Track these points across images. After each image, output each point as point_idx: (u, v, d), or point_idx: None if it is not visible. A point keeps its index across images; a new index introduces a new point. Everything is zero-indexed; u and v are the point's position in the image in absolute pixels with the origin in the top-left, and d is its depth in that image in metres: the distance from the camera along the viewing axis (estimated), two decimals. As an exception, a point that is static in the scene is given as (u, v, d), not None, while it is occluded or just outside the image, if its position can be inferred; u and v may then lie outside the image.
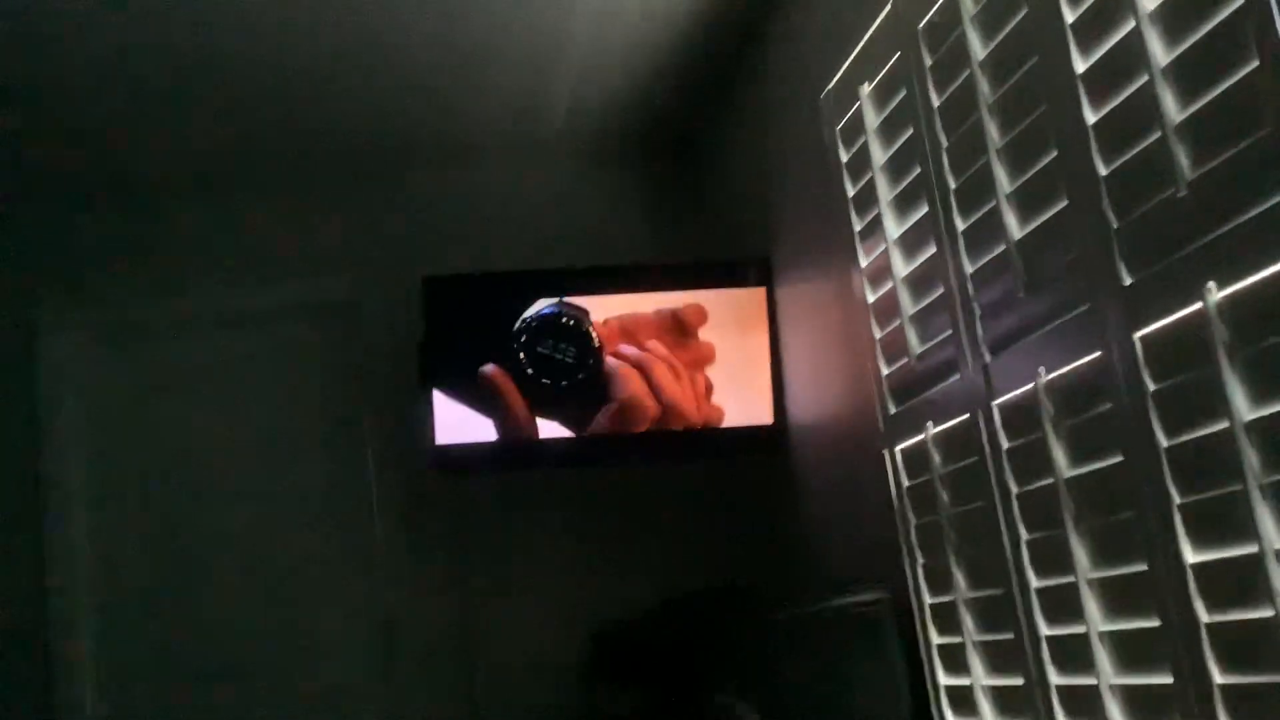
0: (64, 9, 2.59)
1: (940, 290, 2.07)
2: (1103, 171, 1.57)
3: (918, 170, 2.12)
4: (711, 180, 3.59)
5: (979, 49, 1.88)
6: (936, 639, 2.20)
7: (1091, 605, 1.68)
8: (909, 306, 2.22)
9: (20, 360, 3.35)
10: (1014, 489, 1.88)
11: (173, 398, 3.46)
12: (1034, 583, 1.83)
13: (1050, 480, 1.76)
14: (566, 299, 2.97)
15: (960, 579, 2.08)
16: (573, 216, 3.69)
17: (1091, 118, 1.59)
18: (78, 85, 2.96)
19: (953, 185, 2.00)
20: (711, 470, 3.49)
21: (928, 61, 2.05)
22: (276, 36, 2.86)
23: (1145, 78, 1.46)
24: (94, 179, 3.45)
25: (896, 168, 2.24)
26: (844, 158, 2.46)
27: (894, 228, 2.26)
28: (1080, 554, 1.70)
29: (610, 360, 2.93)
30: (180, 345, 3.49)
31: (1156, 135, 1.45)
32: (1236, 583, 1.38)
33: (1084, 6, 1.59)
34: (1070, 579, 1.71)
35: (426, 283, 3.09)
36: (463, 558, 3.44)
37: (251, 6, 2.71)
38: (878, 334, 2.38)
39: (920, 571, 2.25)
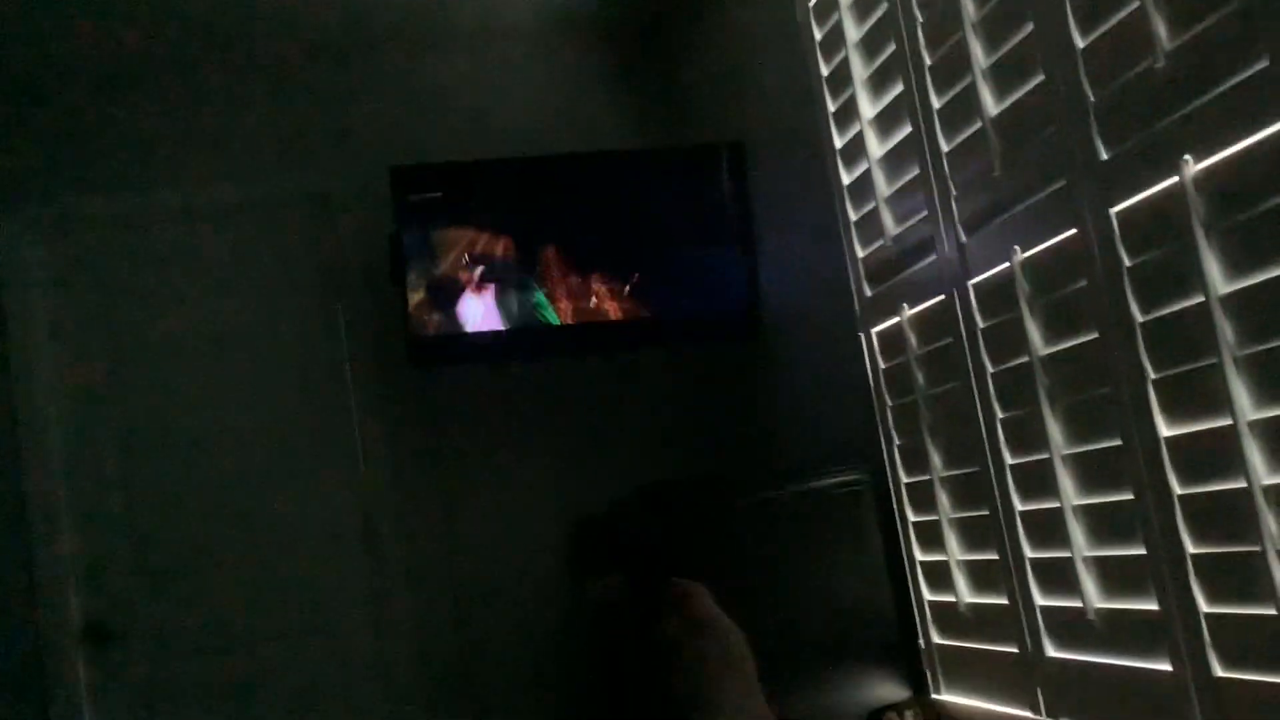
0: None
1: (916, 170, 2.05)
2: (1080, 44, 1.55)
3: (892, 47, 2.09)
4: (683, 62, 3.52)
5: (954, -81, 1.83)
6: (913, 517, 2.23)
7: (1066, 481, 1.70)
8: (884, 187, 2.20)
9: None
10: (989, 368, 1.88)
11: (141, 294, 3.40)
12: (1009, 460, 1.85)
13: (1026, 359, 1.76)
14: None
15: (936, 458, 2.10)
16: (542, 103, 3.62)
17: (1069, -12, 1.56)
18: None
19: (928, 62, 1.96)
20: (688, 358, 3.50)
21: (902, -66, 2.00)
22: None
23: (1124, -55, 1.43)
24: (51, 68, 3.35)
25: (871, 45, 2.20)
26: (817, 35, 2.42)
27: (868, 107, 2.23)
28: (1055, 431, 1.71)
29: None
30: (147, 239, 3.42)
31: (1135, 4, 1.43)
32: (1210, 455, 1.40)
33: (1062, -128, 1.55)
34: (1045, 455, 1.73)
35: (394, 173, 3.04)
36: (440, 450, 3.44)
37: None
38: (853, 216, 2.36)
39: (897, 452, 2.27)
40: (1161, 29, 1.39)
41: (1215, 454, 1.38)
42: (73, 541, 3.24)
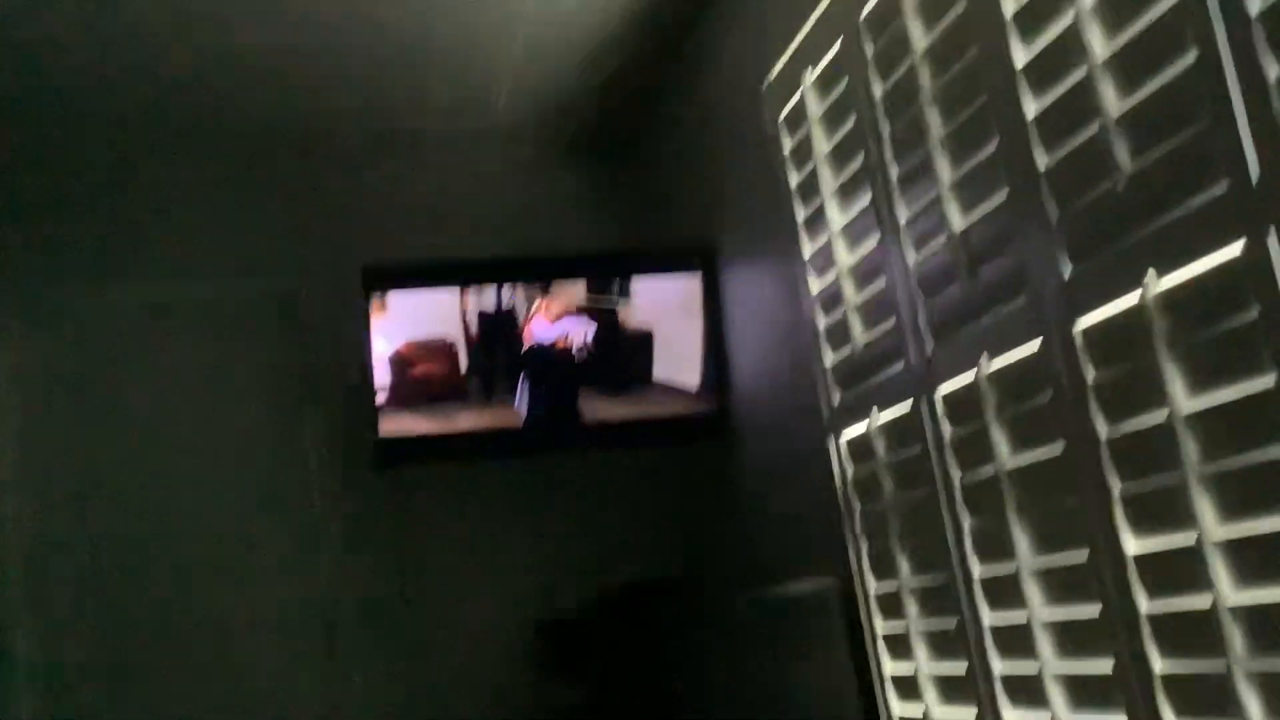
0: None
1: (884, 279, 2.07)
2: (1043, 163, 1.58)
3: (861, 159, 2.12)
4: (655, 170, 3.57)
5: (920, 39, 1.88)
6: (881, 626, 2.21)
7: (1033, 593, 1.69)
8: (853, 296, 2.22)
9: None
10: (956, 477, 1.89)
11: (110, 387, 3.39)
12: (976, 571, 1.85)
13: (992, 469, 1.77)
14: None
15: (904, 567, 2.09)
16: (514, 206, 3.66)
17: (1032, 110, 1.59)
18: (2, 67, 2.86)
19: (895, 175, 2.00)
20: (654, 458, 3.49)
21: (870, 51, 2.04)
22: (212, 23, 2.81)
23: (1085, 70, 1.47)
24: (20, 162, 3.36)
25: (840, 157, 2.23)
26: (787, 147, 2.46)
27: (837, 217, 2.26)
28: (1022, 542, 1.71)
29: None
30: (114, 335, 3.42)
31: (1096, 127, 1.46)
32: (1176, 571, 1.40)
33: (1024, -2, 1.60)
34: (1012, 567, 1.73)
35: (365, 272, 3.05)
36: (404, 547, 3.41)
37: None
38: (822, 322, 2.38)
39: (865, 559, 2.26)
40: (1123, 151, 1.42)
41: (1181, 571, 1.38)
42: (28, 633, 3.18)
